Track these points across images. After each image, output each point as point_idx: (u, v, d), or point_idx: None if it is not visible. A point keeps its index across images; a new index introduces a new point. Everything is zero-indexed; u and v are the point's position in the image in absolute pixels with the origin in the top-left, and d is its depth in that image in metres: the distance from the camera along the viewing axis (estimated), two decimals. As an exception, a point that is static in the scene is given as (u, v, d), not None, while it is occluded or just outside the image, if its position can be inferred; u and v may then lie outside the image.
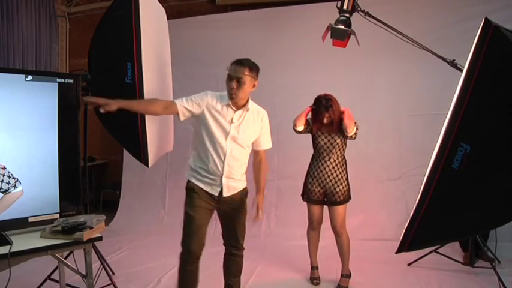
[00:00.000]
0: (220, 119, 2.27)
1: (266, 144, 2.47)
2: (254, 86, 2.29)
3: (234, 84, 2.21)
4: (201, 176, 2.33)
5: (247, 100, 2.33)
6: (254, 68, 2.27)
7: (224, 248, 2.51)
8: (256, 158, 2.50)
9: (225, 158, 2.27)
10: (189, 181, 2.38)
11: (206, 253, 2.36)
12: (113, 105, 2.13)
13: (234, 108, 2.29)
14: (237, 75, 2.22)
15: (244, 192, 2.44)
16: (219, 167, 2.28)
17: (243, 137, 2.31)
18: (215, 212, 2.44)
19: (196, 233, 2.29)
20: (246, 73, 2.22)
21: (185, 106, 2.27)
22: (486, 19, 1.87)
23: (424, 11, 4.02)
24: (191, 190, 2.35)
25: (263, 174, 2.51)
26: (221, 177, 2.29)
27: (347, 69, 4.21)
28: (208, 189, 2.32)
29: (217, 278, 2.45)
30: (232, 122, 2.28)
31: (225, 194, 2.32)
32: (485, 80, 1.88)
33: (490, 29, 1.83)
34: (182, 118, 2.31)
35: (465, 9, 3.89)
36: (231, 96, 2.24)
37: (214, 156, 2.27)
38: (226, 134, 2.27)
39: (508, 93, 1.84)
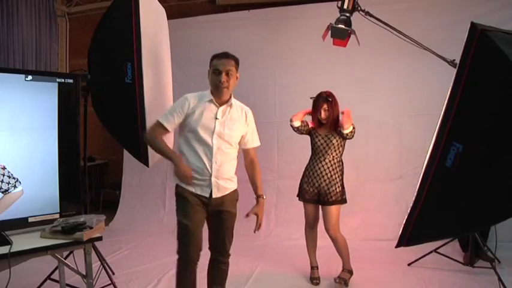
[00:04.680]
0: (204, 117, 2.23)
1: (254, 141, 2.42)
2: (237, 78, 2.28)
3: (223, 77, 2.19)
4: None
5: (230, 95, 2.29)
6: (237, 61, 2.28)
7: (210, 252, 2.40)
8: (247, 158, 2.43)
9: (212, 156, 2.22)
10: (177, 186, 2.30)
11: (205, 254, 2.35)
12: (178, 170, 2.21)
13: (217, 104, 2.25)
14: (226, 68, 2.20)
15: (234, 195, 2.36)
16: (207, 166, 2.22)
17: (229, 134, 2.26)
18: None
19: (192, 240, 2.23)
20: (233, 65, 2.23)
21: (170, 122, 2.25)
22: (472, 23, 1.91)
23: (424, 11, 4.01)
24: (180, 196, 2.28)
25: (258, 172, 2.42)
26: (210, 177, 2.22)
27: (347, 69, 4.20)
28: (198, 191, 2.24)
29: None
30: (216, 118, 2.24)
31: (214, 195, 2.24)
32: (474, 82, 1.93)
33: (476, 34, 1.88)
34: (172, 130, 2.31)
35: (466, 9, 3.88)
36: (222, 89, 2.21)
37: (202, 155, 2.22)
38: (212, 131, 2.22)
39: (497, 95, 1.87)
